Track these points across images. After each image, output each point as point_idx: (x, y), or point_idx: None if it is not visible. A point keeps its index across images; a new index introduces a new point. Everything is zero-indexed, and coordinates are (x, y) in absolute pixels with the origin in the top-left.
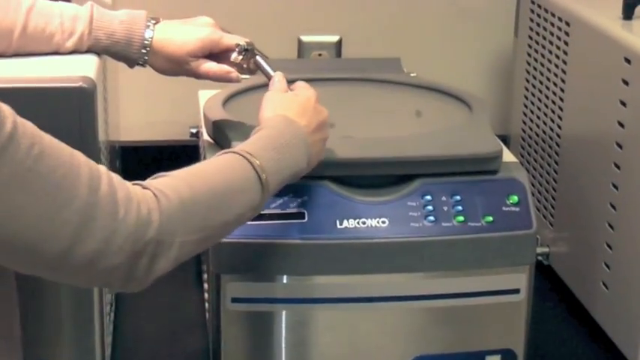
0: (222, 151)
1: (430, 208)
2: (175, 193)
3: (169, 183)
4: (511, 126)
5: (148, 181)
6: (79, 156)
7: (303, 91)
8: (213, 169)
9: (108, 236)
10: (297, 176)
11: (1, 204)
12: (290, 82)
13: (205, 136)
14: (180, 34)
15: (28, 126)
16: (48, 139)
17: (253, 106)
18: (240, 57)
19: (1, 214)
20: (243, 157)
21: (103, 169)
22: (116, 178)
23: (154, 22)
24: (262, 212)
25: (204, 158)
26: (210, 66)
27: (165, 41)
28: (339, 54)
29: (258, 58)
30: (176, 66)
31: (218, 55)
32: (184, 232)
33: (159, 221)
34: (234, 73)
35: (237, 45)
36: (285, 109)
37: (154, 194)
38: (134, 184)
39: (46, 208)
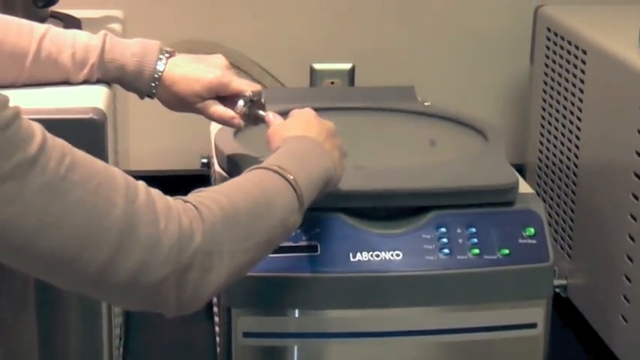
0: (249, 169)
1: (445, 240)
2: (215, 202)
3: (207, 196)
4: (527, 155)
5: (186, 197)
6: (114, 168)
7: (299, 113)
8: (245, 181)
9: (151, 246)
10: (331, 181)
11: (39, 214)
12: (284, 113)
13: (217, 167)
14: (190, 73)
15: (58, 140)
16: (79, 152)
17: (265, 137)
18: (245, 108)
19: (40, 224)
20: (272, 171)
21: (141, 182)
22: (155, 190)
23: (167, 55)
24: None
25: None
26: (215, 109)
27: (175, 77)
28: (351, 82)
29: (260, 112)
30: (182, 103)
31: (226, 97)
32: (231, 240)
33: (202, 230)
34: (237, 119)
35: (244, 96)
36: (291, 131)
37: (194, 206)
38: (175, 199)
39: (84, 216)
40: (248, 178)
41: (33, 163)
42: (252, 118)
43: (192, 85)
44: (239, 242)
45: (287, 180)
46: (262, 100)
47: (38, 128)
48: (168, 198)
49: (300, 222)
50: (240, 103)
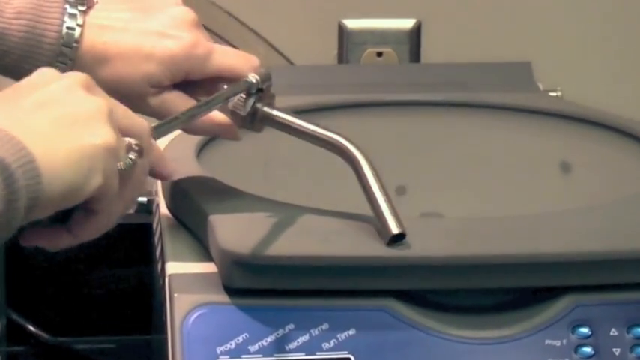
0: None
1: (588, 350)
2: None
3: None
4: None
5: None
6: None
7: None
8: None
9: None
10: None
11: None
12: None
13: (163, 209)
14: (133, 41)
15: None
16: None
17: (249, 157)
18: (251, 100)
19: None
20: None
21: None
22: None
23: (81, 5)
24: (273, 358)
25: (161, 249)
26: None
27: (107, 51)
28: (415, 54)
29: (276, 112)
30: (121, 97)
31: (201, 84)
32: None
33: None
34: (229, 127)
35: (246, 81)
36: None
37: None
38: None
39: None
40: None
41: None
42: (259, 119)
43: (139, 63)
44: None
45: None
46: (271, 88)
47: None
48: None
49: None
50: (237, 95)
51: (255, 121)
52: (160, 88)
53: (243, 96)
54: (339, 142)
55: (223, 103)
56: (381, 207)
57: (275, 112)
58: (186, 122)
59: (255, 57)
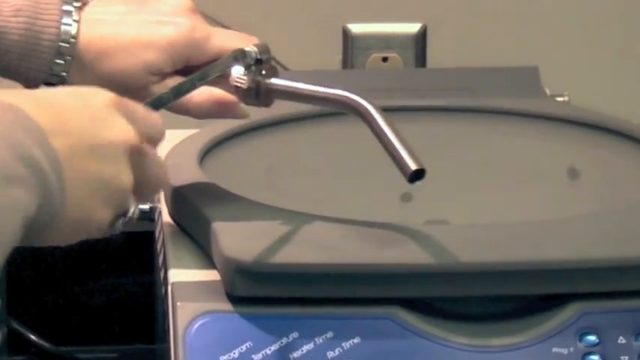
0: None
1: (596, 358)
2: None
3: None
4: None
5: None
6: None
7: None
8: None
9: None
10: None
11: None
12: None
13: (166, 217)
14: (132, 33)
15: None
16: None
17: (252, 164)
18: (247, 76)
19: None
20: None
21: None
22: None
23: (77, 4)
24: None
25: (164, 257)
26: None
27: (105, 44)
28: (421, 59)
29: (274, 80)
30: (123, 90)
31: (198, 67)
32: None
33: None
34: (234, 104)
35: (242, 52)
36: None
37: None
38: None
39: None
40: None
41: None
42: (264, 93)
43: (138, 53)
44: None
45: None
46: (272, 61)
47: None
48: None
49: None
50: (238, 68)
51: (259, 95)
52: (162, 75)
53: (244, 70)
54: (347, 97)
55: (213, 76)
56: (397, 148)
57: (276, 81)
58: (176, 98)
59: (256, 38)
